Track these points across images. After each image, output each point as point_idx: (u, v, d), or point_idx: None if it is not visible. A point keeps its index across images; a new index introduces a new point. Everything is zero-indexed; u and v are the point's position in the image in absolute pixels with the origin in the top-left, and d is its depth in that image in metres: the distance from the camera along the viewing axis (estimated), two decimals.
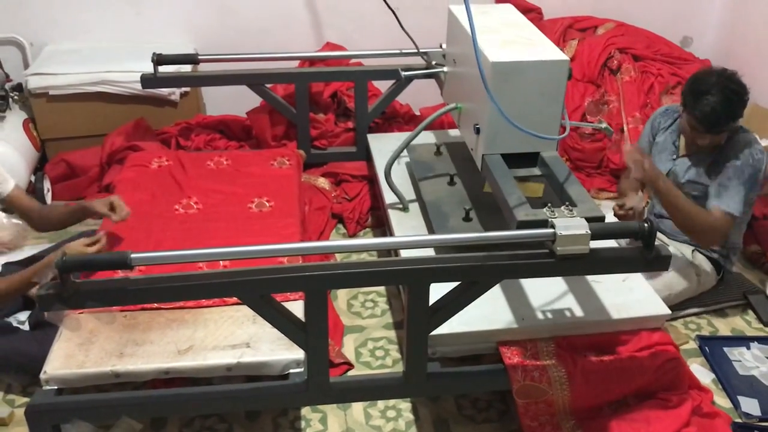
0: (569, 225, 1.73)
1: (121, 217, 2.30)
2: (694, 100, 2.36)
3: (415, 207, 2.63)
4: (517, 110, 1.97)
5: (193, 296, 1.80)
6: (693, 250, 2.64)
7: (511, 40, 2.09)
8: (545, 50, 2.07)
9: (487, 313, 2.07)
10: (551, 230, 1.73)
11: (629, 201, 2.46)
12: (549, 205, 1.84)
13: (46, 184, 3.30)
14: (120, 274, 1.80)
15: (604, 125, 2.24)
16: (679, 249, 2.63)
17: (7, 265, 2.45)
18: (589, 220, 1.76)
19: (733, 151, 2.43)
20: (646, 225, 1.74)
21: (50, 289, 1.63)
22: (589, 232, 1.72)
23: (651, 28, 3.80)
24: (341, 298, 2.74)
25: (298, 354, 1.96)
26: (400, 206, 2.62)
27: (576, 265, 1.78)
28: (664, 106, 2.82)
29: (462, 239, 1.84)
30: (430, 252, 2.21)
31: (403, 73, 2.62)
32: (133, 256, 1.63)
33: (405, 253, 2.11)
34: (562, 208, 1.83)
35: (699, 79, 2.40)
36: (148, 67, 3.01)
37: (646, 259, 1.78)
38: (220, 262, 2.10)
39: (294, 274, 1.73)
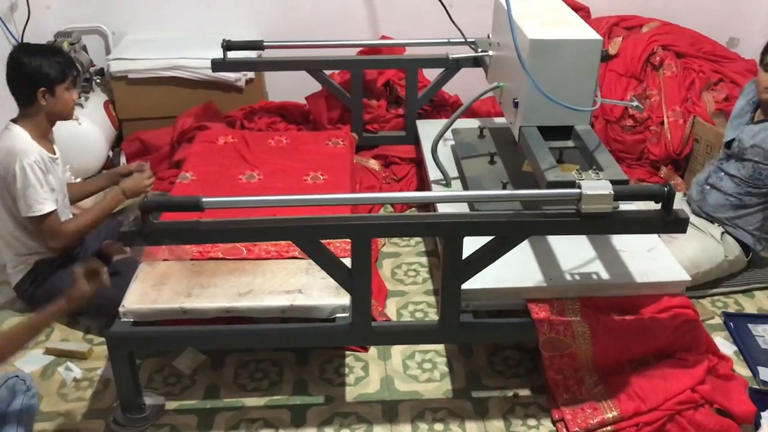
0: (594, 186, 1.90)
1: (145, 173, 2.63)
2: None
3: (457, 183, 2.81)
4: (553, 85, 2.15)
5: (253, 238, 2.03)
6: (722, 233, 2.76)
7: (550, 22, 2.27)
8: (581, 30, 2.24)
9: (519, 273, 2.25)
10: (578, 190, 1.90)
11: None
12: (578, 168, 2.01)
13: (122, 160, 3.62)
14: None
15: (635, 103, 2.39)
16: (709, 230, 2.76)
17: None
18: (613, 182, 1.93)
19: None
20: (665, 188, 1.90)
21: (132, 227, 1.90)
22: (612, 192, 1.89)
23: (697, 30, 3.90)
24: (386, 267, 2.95)
25: (345, 300, 2.17)
26: (444, 182, 2.82)
27: (599, 224, 1.95)
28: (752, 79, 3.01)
29: (493, 196, 2.02)
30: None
31: (451, 56, 2.82)
32: (204, 199, 1.88)
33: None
34: (590, 171, 2.00)
35: None
36: (218, 55, 3.29)
37: (665, 220, 1.93)
38: None
39: (342, 223, 1.96)
